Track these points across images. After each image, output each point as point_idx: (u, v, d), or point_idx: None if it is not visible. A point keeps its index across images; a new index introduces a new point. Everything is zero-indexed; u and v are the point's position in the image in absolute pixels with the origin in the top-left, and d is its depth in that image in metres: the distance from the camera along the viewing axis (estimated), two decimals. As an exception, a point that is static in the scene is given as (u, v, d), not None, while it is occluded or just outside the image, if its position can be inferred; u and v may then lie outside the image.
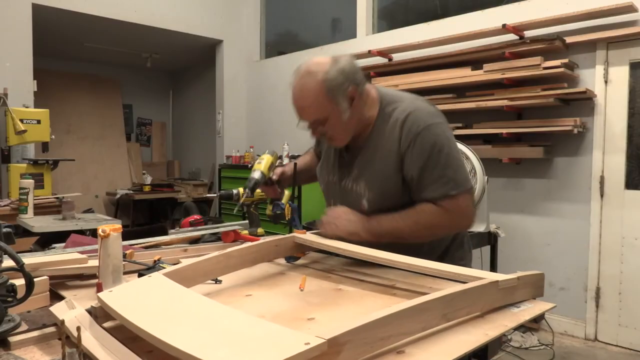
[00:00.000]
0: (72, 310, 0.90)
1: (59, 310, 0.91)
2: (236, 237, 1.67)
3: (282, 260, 1.47)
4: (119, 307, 0.87)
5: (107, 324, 0.90)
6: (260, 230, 1.79)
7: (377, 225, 1.35)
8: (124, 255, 1.29)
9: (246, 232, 1.75)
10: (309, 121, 1.38)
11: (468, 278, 1.05)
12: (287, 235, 1.41)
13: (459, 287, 0.96)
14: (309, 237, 1.42)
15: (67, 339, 0.85)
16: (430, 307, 0.87)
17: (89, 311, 0.91)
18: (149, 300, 0.93)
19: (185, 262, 1.16)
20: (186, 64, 7.50)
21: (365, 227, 1.35)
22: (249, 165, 5.06)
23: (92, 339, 0.83)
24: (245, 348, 0.70)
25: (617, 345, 3.23)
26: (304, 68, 1.35)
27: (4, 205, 3.07)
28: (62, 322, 0.82)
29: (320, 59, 1.36)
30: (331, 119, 1.34)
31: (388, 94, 1.44)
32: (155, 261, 1.29)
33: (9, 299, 0.92)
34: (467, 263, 1.52)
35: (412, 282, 1.24)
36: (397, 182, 1.35)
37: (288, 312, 1.04)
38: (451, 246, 1.49)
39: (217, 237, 1.80)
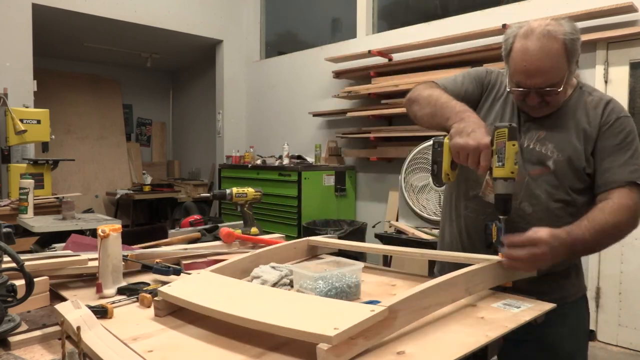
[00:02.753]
0: (77, 310, 0.91)
1: (64, 309, 0.91)
2: (235, 238, 1.67)
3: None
4: (189, 297, 0.97)
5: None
6: (254, 229, 1.80)
7: (582, 246, 1.21)
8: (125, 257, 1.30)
9: (239, 231, 1.75)
10: (542, 86, 1.25)
11: (478, 260, 1.17)
12: (302, 239, 1.53)
13: (476, 266, 1.11)
14: (321, 238, 1.55)
15: (68, 338, 0.85)
16: (457, 282, 1.03)
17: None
18: (212, 290, 1.02)
19: (225, 261, 1.25)
20: (186, 64, 7.50)
21: (569, 251, 1.20)
22: (249, 165, 5.07)
23: (94, 339, 0.84)
24: (323, 317, 0.82)
25: (617, 345, 3.22)
26: (541, 29, 1.24)
27: (4, 205, 3.07)
28: (62, 322, 0.82)
29: (553, 20, 1.27)
30: (561, 83, 1.25)
31: (589, 86, 1.41)
32: (156, 262, 1.29)
33: (9, 299, 0.92)
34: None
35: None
36: (584, 155, 1.29)
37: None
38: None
39: (214, 237, 1.80)
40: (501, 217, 1.20)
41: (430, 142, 1.74)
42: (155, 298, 1.03)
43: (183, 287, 1.04)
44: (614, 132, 1.29)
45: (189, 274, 1.21)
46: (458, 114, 1.24)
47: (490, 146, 1.16)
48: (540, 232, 1.13)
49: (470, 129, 1.18)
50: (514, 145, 1.15)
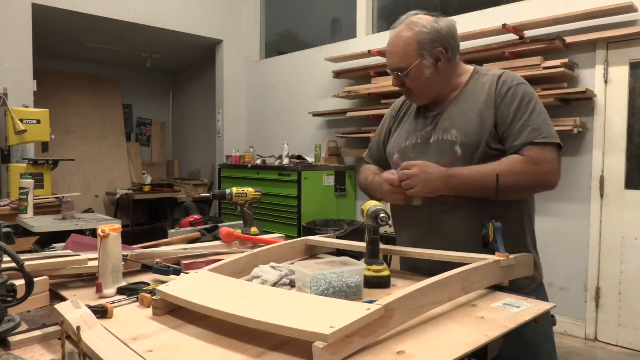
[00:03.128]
0: (78, 310, 0.91)
1: (64, 309, 0.91)
2: (235, 238, 1.67)
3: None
4: (186, 296, 0.98)
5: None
6: (254, 229, 1.80)
7: (458, 177, 1.32)
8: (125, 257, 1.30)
9: (239, 231, 1.75)
10: (393, 67, 1.45)
11: (475, 260, 1.18)
12: (301, 239, 1.53)
13: (472, 265, 1.12)
14: (320, 238, 1.55)
15: (68, 338, 0.85)
16: (453, 281, 1.04)
17: (94, 314, 0.92)
18: (210, 289, 1.03)
19: (223, 261, 1.26)
20: (186, 64, 7.50)
21: (446, 182, 1.32)
22: (249, 165, 5.07)
23: (94, 339, 0.84)
24: (319, 316, 0.83)
25: (617, 345, 3.23)
26: (409, 20, 1.44)
27: (4, 205, 3.07)
28: (62, 322, 0.82)
29: (426, 16, 1.45)
30: (413, 72, 1.42)
31: (484, 68, 1.53)
32: (156, 262, 1.29)
33: (9, 299, 0.92)
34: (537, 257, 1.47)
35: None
36: (488, 130, 1.37)
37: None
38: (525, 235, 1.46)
39: (214, 237, 1.80)
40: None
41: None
42: (154, 297, 1.03)
43: (181, 287, 1.04)
44: (508, 101, 1.38)
45: (188, 274, 1.21)
46: (374, 184, 1.52)
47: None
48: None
49: (380, 184, 1.44)
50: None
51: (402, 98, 1.64)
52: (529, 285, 1.38)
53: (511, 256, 1.19)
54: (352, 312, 0.82)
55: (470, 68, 1.51)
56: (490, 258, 1.17)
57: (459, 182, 1.32)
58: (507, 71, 1.46)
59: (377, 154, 1.66)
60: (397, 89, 1.52)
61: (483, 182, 1.30)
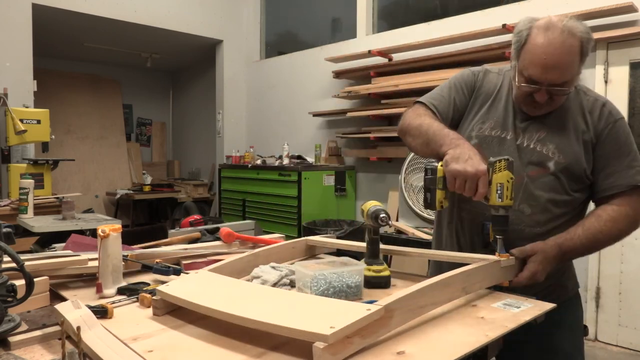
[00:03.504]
0: (78, 310, 0.91)
1: (64, 309, 0.91)
2: (235, 238, 1.67)
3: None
4: (186, 296, 0.97)
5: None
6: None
7: (571, 252, 1.25)
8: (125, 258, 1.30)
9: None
10: (556, 82, 1.22)
11: (475, 260, 1.17)
12: (301, 239, 1.52)
13: (472, 265, 1.11)
14: (320, 238, 1.54)
15: (68, 338, 0.85)
16: (453, 281, 1.04)
17: (93, 313, 0.91)
18: (209, 289, 1.03)
19: (223, 261, 1.25)
20: (186, 64, 7.50)
21: (561, 259, 1.24)
22: (249, 165, 5.07)
23: (94, 339, 0.84)
24: (319, 316, 0.83)
25: (617, 345, 3.22)
26: (561, 25, 1.22)
27: (4, 205, 3.07)
28: (62, 322, 0.82)
29: (564, 17, 1.26)
30: (571, 83, 1.25)
31: (586, 87, 1.42)
32: (156, 262, 1.29)
33: (9, 299, 0.92)
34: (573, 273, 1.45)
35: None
36: (584, 159, 1.29)
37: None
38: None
39: (214, 238, 1.80)
40: (499, 237, 1.17)
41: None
42: (154, 297, 1.03)
43: (181, 287, 1.04)
44: (613, 136, 1.29)
45: (188, 274, 1.21)
46: (452, 141, 1.21)
47: (487, 174, 1.13)
48: (532, 262, 1.19)
49: (467, 156, 1.15)
50: (511, 178, 1.14)
51: (482, 69, 1.46)
52: (573, 288, 1.40)
53: (512, 257, 1.18)
54: (352, 312, 0.82)
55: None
56: (491, 258, 1.16)
57: (571, 256, 1.27)
58: (609, 101, 1.35)
59: (445, 111, 1.40)
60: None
61: (588, 250, 1.27)
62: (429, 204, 1.22)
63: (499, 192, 1.13)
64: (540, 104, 1.27)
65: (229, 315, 0.88)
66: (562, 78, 1.22)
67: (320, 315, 0.83)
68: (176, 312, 1.02)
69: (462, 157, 1.15)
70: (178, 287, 1.03)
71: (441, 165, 1.18)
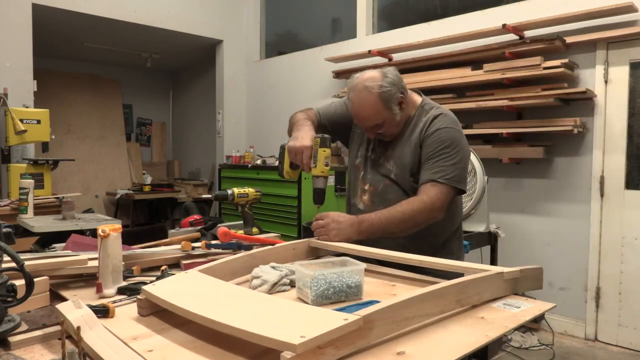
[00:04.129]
0: (79, 310, 0.90)
1: (65, 308, 0.91)
2: (232, 237, 1.67)
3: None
4: (168, 297, 0.96)
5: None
6: (255, 229, 1.80)
7: (368, 227, 1.51)
8: (131, 272, 1.30)
9: (242, 231, 1.75)
10: (368, 125, 1.61)
11: (475, 271, 1.14)
12: (303, 240, 1.52)
13: (470, 277, 1.07)
14: (324, 241, 1.53)
15: (69, 338, 0.85)
16: (446, 293, 0.99)
17: (94, 311, 0.91)
18: (192, 290, 1.02)
19: (216, 262, 1.23)
20: (186, 64, 7.50)
21: (357, 230, 1.50)
22: (249, 165, 5.07)
23: (94, 338, 0.84)
24: (293, 324, 0.81)
25: (617, 345, 3.23)
26: (361, 84, 1.56)
27: (4, 205, 3.07)
28: (62, 321, 0.82)
29: (371, 73, 1.59)
30: (387, 122, 1.59)
31: (430, 101, 1.72)
32: (162, 271, 1.29)
33: (9, 299, 0.92)
34: (461, 255, 1.75)
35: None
36: (417, 165, 1.60)
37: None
38: (451, 238, 1.71)
39: (213, 237, 1.80)
40: (317, 206, 1.57)
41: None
42: (138, 296, 1.03)
43: (167, 287, 1.03)
44: (431, 141, 1.58)
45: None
46: (298, 127, 1.64)
47: (310, 149, 1.53)
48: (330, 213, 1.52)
49: (300, 136, 1.58)
50: (324, 151, 1.52)
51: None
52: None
53: (517, 268, 1.15)
54: (327, 321, 0.79)
55: (418, 99, 1.69)
56: (493, 269, 1.13)
57: (368, 226, 1.50)
58: (446, 114, 1.63)
59: (329, 119, 1.80)
60: None
61: (387, 225, 1.51)
62: (279, 173, 1.66)
63: (314, 159, 1.52)
64: (382, 135, 1.64)
65: (202, 318, 0.86)
66: (370, 123, 1.60)
67: (295, 323, 0.81)
68: (169, 312, 1.01)
69: (296, 136, 1.59)
70: (163, 288, 1.02)
71: (287, 144, 1.59)
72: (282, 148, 1.62)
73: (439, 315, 0.98)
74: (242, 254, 1.33)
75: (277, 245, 1.46)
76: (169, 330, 0.94)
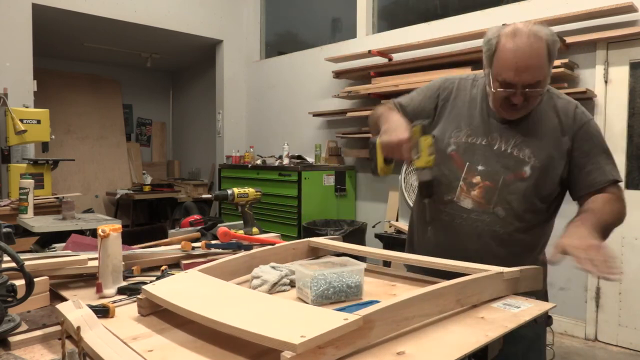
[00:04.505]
0: (79, 310, 0.90)
1: (65, 308, 0.91)
2: (232, 237, 1.67)
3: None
4: (168, 296, 0.96)
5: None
6: (255, 229, 1.80)
7: (601, 234, 1.26)
8: (131, 272, 1.30)
9: (241, 231, 1.75)
10: (530, 83, 1.29)
11: (475, 271, 1.13)
12: (303, 240, 1.49)
13: (470, 276, 1.06)
14: (324, 240, 1.50)
15: (69, 338, 0.85)
16: (445, 293, 0.99)
17: (96, 311, 0.91)
18: (192, 290, 1.02)
19: (216, 261, 1.23)
20: (186, 64, 7.50)
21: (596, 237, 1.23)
22: (249, 165, 5.07)
23: (94, 338, 0.84)
24: (293, 323, 0.81)
25: (617, 345, 3.23)
26: (526, 29, 1.29)
27: (4, 205, 3.07)
28: (62, 321, 0.82)
29: (529, 23, 1.34)
30: (544, 83, 1.32)
31: (555, 89, 1.48)
32: (162, 271, 1.29)
33: (9, 299, 0.92)
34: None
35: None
36: (560, 162, 1.37)
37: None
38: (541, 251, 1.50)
39: (213, 237, 1.80)
40: (426, 200, 1.41)
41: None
42: (138, 296, 1.03)
43: (167, 287, 1.03)
44: (589, 135, 1.38)
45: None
46: (385, 118, 1.42)
47: (409, 141, 1.29)
48: (590, 239, 1.17)
49: (393, 128, 1.33)
50: (426, 139, 1.32)
51: (456, 78, 1.55)
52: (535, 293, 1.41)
53: (517, 268, 1.14)
54: (327, 321, 0.78)
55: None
56: (493, 269, 1.12)
57: (603, 229, 1.29)
58: (580, 105, 1.43)
59: (411, 114, 1.51)
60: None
61: (611, 222, 1.34)
62: (372, 171, 1.43)
63: (416, 150, 1.33)
64: (517, 106, 1.33)
65: (203, 318, 0.86)
66: (534, 78, 1.29)
67: (295, 323, 0.80)
68: (169, 311, 1.01)
69: (389, 129, 1.34)
70: (163, 287, 1.02)
71: (378, 139, 1.37)
72: (372, 144, 1.42)
73: (439, 315, 0.97)
74: (242, 254, 1.32)
75: (276, 245, 1.45)
76: (170, 330, 0.94)
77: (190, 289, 1.03)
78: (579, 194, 1.39)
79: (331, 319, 0.79)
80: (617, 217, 1.36)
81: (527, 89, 1.30)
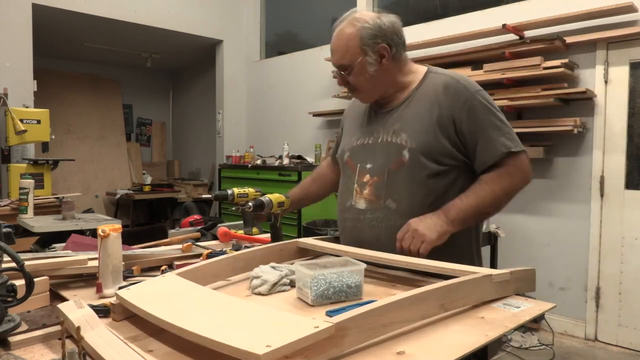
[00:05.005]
0: (80, 310, 0.90)
1: (66, 308, 0.91)
2: (232, 237, 1.67)
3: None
4: (139, 302, 0.92)
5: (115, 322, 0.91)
6: (255, 230, 1.80)
7: (457, 212, 1.31)
8: (131, 272, 1.30)
9: (241, 231, 1.75)
10: (339, 64, 1.42)
11: (463, 273, 1.09)
12: (291, 241, 1.45)
13: (455, 280, 1.01)
14: (312, 241, 1.44)
15: (69, 338, 0.85)
16: (428, 297, 0.94)
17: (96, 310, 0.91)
18: (166, 295, 0.98)
19: (196, 264, 1.19)
20: (186, 64, 7.50)
21: (445, 220, 1.31)
22: (249, 165, 5.06)
23: (95, 338, 0.84)
24: (261, 331, 0.77)
25: (617, 345, 3.23)
26: (351, 16, 1.43)
27: (4, 205, 3.07)
28: (63, 321, 0.82)
29: (368, 13, 1.45)
30: (356, 68, 1.39)
31: (437, 68, 1.49)
32: (162, 271, 1.29)
33: (9, 299, 0.92)
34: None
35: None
36: (440, 140, 1.35)
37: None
38: (474, 248, 1.49)
39: (213, 237, 1.80)
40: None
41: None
42: (112, 301, 0.99)
43: (141, 292, 0.99)
44: (473, 110, 1.35)
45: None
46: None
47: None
48: (419, 225, 1.28)
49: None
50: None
51: (351, 101, 1.67)
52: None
53: (507, 270, 1.10)
54: (297, 329, 0.75)
55: (423, 68, 1.48)
56: (481, 272, 1.07)
57: (457, 212, 1.31)
58: (462, 75, 1.42)
59: (339, 152, 1.63)
60: None
61: (479, 207, 1.33)
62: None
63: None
64: (352, 89, 1.46)
65: (169, 325, 0.83)
66: (340, 61, 1.41)
67: (264, 331, 0.77)
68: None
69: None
70: (137, 292, 0.99)
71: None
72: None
73: (421, 321, 0.92)
74: (225, 256, 1.26)
75: (263, 246, 1.39)
76: (144, 339, 0.90)
77: (163, 294, 0.99)
78: (478, 171, 1.38)
79: (301, 327, 0.75)
80: (504, 193, 1.34)
81: (341, 72, 1.43)
